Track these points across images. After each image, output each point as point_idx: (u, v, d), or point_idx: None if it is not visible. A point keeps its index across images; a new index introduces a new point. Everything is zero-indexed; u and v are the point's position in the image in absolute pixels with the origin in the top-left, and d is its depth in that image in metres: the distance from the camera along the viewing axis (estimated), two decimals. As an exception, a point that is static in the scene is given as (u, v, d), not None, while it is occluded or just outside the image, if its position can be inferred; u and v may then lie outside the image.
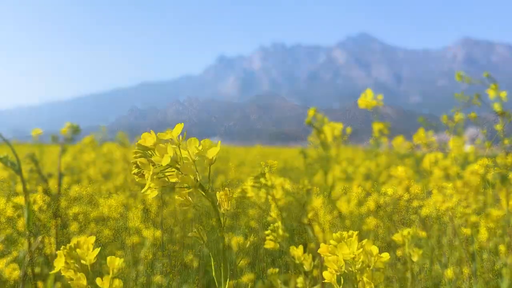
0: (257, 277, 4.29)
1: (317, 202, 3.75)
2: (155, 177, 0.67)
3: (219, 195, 0.79)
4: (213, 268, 0.82)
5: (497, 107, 1.71)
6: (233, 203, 0.82)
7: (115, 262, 0.73)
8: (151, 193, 0.68)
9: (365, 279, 0.66)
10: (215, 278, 0.80)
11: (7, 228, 4.15)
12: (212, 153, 0.71)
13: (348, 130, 1.79)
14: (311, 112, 1.70)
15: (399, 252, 3.45)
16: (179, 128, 0.69)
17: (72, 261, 0.72)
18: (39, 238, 1.94)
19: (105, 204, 3.43)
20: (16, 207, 1.97)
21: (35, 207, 2.34)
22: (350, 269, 0.70)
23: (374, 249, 0.70)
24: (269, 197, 0.94)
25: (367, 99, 1.92)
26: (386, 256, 0.67)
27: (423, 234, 3.07)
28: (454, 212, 2.62)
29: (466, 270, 2.74)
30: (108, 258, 0.75)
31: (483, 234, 2.69)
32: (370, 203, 2.76)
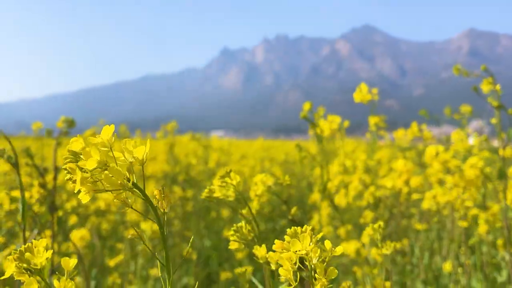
0: (256, 269, 4.30)
1: (315, 196, 3.73)
2: (85, 181, 0.67)
3: (153, 196, 0.78)
4: (160, 263, 0.82)
5: (492, 100, 1.67)
6: (171, 202, 0.82)
7: (70, 263, 0.74)
8: (83, 197, 0.69)
9: (317, 275, 0.67)
10: (161, 276, 0.80)
11: (8, 221, 4.18)
12: (139, 152, 0.71)
13: (346, 123, 1.76)
14: (306, 106, 1.68)
15: (398, 245, 3.44)
16: (108, 130, 0.69)
17: (23, 265, 0.72)
18: (35, 231, 1.94)
19: (101, 197, 3.43)
20: (14, 200, 1.98)
21: (32, 201, 2.35)
22: (306, 263, 0.71)
23: (328, 244, 0.71)
24: (251, 194, 0.93)
25: (362, 93, 1.89)
26: (339, 250, 0.67)
27: (421, 227, 3.06)
28: (453, 205, 2.60)
29: (466, 262, 2.73)
30: (62, 259, 0.75)
31: (482, 228, 2.66)
32: (368, 197, 2.74)
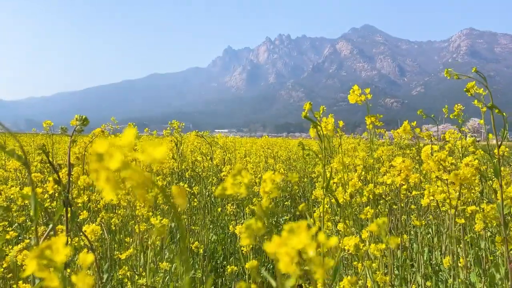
0: (261, 263, 4.41)
1: (317, 192, 3.83)
2: (109, 181, 0.71)
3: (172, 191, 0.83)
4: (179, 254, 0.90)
5: (477, 103, 1.77)
6: (186, 198, 0.87)
7: (88, 258, 0.78)
8: (107, 195, 0.73)
9: (313, 267, 0.70)
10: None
11: (21, 216, 4.33)
12: (158, 153, 0.74)
13: (341, 123, 1.85)
14: (306, 106, 1.76)
15: (397, 240, 3.53)
16: (131, 133, 0.74)
17: (44, 262, 0.74)
18: (50, 226, 2.05)
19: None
20: (25, 196, 2.08)
21: (46, 196, 2.46)
22: (305, 258, 0.75)
23: (321, 236, 0.76)
24: (260, 190, 0.99)
25: (355, 94, 1.98)
26: (333, 241, 0.72)
27: (419, 223, 3.15)
28: (450, 202, 2.69)
29: (462, 260, 2.82)
30: (80, 255, 0.81)
31: (479, 224, 2.75)
32: (367, 193, 2.84)
